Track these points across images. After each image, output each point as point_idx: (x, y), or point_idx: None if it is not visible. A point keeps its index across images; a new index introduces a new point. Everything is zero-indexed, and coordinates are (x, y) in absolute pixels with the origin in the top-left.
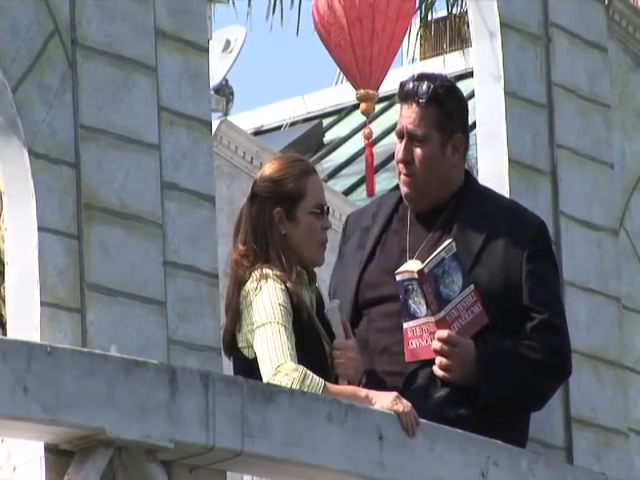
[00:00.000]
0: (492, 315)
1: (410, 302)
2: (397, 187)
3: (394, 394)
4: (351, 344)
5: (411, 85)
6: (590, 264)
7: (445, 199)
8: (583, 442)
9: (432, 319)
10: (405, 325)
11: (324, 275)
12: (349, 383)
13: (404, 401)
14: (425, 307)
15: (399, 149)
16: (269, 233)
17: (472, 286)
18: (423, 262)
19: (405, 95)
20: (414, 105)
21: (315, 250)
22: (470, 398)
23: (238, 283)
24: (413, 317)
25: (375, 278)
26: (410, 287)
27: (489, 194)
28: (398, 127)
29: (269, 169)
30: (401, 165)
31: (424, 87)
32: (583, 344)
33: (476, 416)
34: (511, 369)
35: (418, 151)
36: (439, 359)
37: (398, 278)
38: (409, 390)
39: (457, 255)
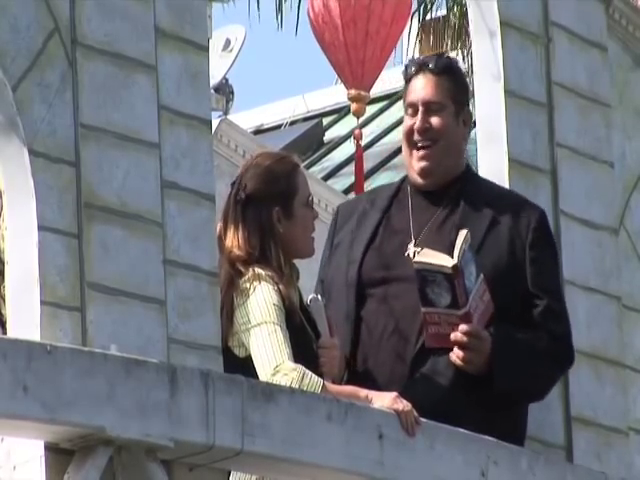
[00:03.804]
0: (497, 300)
1: (427, 290)
2: None
3: (394, 394)
4: (336, 343)
5: (422, 59)
6: (590, 263)
7: (451, 179)
8: (583, 441)
9: (457, 312)
10: (423, 310)
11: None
12: (332, 381)
13: (404, 401)
14: (448, 300)
15: (414, 121)
16: (268, 234)
17: (482, 275)
18: (427, 246)
19: (418, 67)
20: (429, 74)
21: (308, 241)
22: (475, 387)
23: (231, 285)
24: (431, 304)
25: (381, 259)
26: (431, 278)
27: (489, 182)
28: (410, 100)
29: (258, 170)
30: (417, 135)
31: (436, 58)
32: (583, 343)
33: (478, 405)
34: (522, 359)
35: (435, 119)
36: (461, 352)
37: (416, 267)
38: (413, 373)
39: (470, 245)
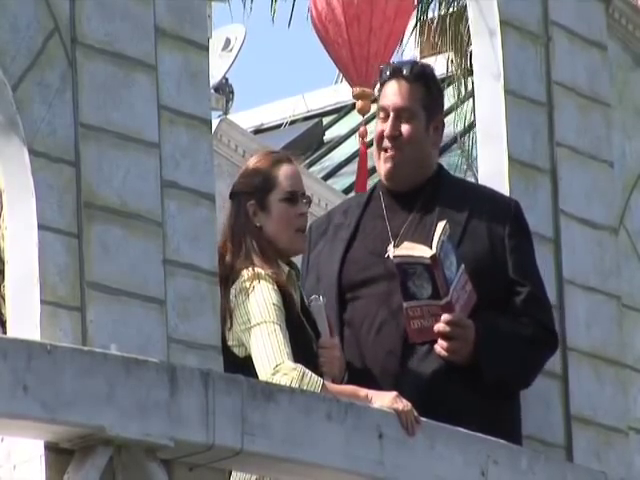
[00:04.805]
0: (480, 290)
1: (409, 284)
2: None
3: (394, 393)
4: (336, 342)
5: (397, 65)
6: (590, 262)
7: (421, 181)
8: (583, 440)
9: (438, 302)
10: (405, 304)
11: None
12: (333, 381)
13: (404, 400)
14: (429, 291)
15: (385, 126)
16: (245, 228)
17: (463, 265)
18: (408, 245)
19: (392, 72)
20: (402, 81)
21: (291, 238)
22: (464, 378)
23: (225, 281)
24: (413, 298)
25: (359, 264)
26: (411, 270)
27: (461, 179)
28: (382, 104)
29: (245, 167)
30: (386, 141)
31: (411, 65)
32: (583, 343)
33: (469, 398)
34: (507, 346)
35: (406, 127)
36: (445, 342)
37: (396, 261)
38: (403, 368)
39: (450, 237)
